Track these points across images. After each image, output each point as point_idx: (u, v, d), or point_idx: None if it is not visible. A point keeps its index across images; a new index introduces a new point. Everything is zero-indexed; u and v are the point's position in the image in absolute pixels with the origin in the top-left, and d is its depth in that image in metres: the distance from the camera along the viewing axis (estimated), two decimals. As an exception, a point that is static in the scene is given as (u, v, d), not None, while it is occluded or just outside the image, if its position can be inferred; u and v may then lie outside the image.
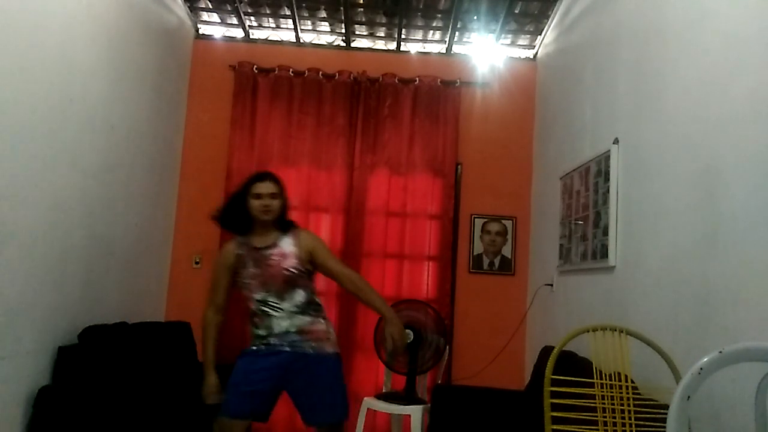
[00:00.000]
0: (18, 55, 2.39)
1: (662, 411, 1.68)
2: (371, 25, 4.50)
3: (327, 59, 4.56)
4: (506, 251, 4.47)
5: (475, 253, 4.47)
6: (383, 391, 3.85)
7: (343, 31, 4.50)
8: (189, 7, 4.33)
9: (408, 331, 3.57)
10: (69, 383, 2.73)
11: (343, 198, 4.37)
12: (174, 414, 3.09)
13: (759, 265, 1.82)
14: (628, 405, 2.00)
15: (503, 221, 4.49)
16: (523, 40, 4.58)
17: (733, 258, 1.96)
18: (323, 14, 4.38)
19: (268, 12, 4.38)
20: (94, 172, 3.11)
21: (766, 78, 1.85)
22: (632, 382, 2.07)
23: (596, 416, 1.97)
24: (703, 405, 1.98)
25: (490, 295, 4.42)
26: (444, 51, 4.64)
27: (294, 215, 4.35)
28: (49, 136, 2.65)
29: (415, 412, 3.42)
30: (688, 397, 1.14)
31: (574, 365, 2.39)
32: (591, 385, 2.03)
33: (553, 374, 2.01)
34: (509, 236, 4.48)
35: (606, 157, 3.00)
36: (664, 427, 1.16)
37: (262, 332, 2.56)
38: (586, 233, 3.23)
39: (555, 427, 1.95)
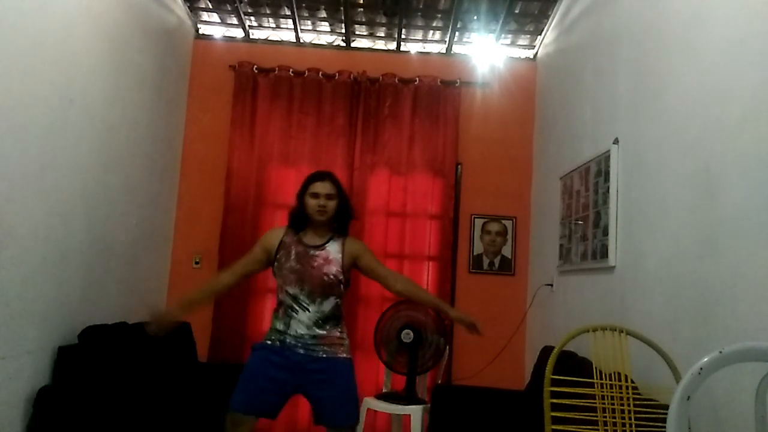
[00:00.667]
0: (18, 56, 2.39)
1: (662, 411, 1.68)
2: (371, 25, 4.50)
3: (327, 59, 4.56)
4: (506, 251, 4.47)
5: (475, 253, 4.47)
6: (383, 391, 3.84)
7: (343, 31, 4.50)
8: (189, 7, 4.33)
9: (408, 331, 3.57)
10: (69, 383, 2.73)
11: (343, 198, 4.37)
12: (174, 414, 3.09)
13: (759, 265, 1.82)
14: (628, 405, 2.00)
15: (503, 221, 4.49)
16: (523, 40, 4.58)
17: (733, 258, 1.96)
18: (323, 14, 4.38)
19: (268, 12, 4.38)
20: (94, 172, 3.11)
21: (766, 78, 1.85)
22: (632, 382, 2.07)
23: (596, 416, 1.97)
24: (703, 405, 1.98)
25: (490, 295, 4.42)
26: (444, 51, 4.64)
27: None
28: (49, 136, 2.65)
29: (415, 412, 3.42)
30: (688, 397, 1.14)
31: (574, 365, 2.40)
32: (591, 385, 2.03)
33: (553, 374, 2.01)
34: (509, 236, 4.48)
35: (606, 157, 3.00)
36: (664, 427, 1.16)
37: (280, 327, 2.56)
38: (586, 233, 3.23)
39: (555, 427, 1.95)
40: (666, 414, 1.16)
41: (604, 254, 2.93)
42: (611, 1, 3.22)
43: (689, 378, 1.15)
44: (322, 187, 2.58)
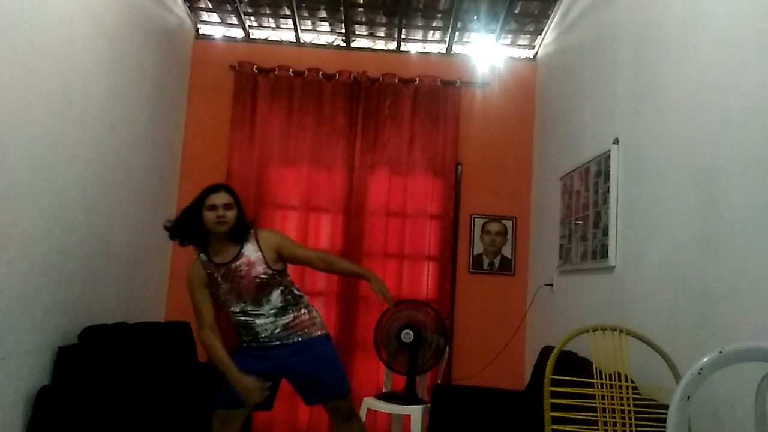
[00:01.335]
0: (18, 55, 2.39)
1: (662, 411, 1.68)
2: (371, 25, 4.50)
3: (327, 59, 4.56)
4: (506, 251, 4.47)
5: (475, 253, 4.47)
6: (383, 391, 3.85)
7: (343, 31, 4.50)
8: (189, 7, 4.33)
9: (408, 331, 3.57)
10: (69, 383, 2.73)
11: (343, 198, 4.37)
12: (174, 414, 3.09)
13: (759, 264, 1.82)
14: (628, 405, 2.00)
15: (503, 221, 4.49)
16: (523, 40, 4.58)
17: (733, 258, 1.96)
18: (323, 14, 4.38)
19: (268, 12, 4.38)
20: (94, 172, 3.11)
21: (766, 78, 1.85)
22: (632, 382, 2.07)
23: (596, 416, 1.97)
24: (703, 405, 1.98)
25: (490, 295, 4.42)
26: (444, 51, 4.64)
27: (294, 215, 4.41)
28: (49, 136, 2.65)
29: (415, 412, 3.42)
30: (688, 397, 1.14)
31: (574, 365, 2.40)
32: (591, 385, 2.03)
33: (553, 374, 2.01)
34: (509, 236, 4.48)
35: (606, 157, 3.00)
36: (664, 427, 1.16)
37: (248, 338, 2.62)
38: (586, 233, 3.23)
39: (555, 427, 1.95)
40: (666, 414, 1.16)
41: (604, 254, 2.93)
42: (611, 1, 3.22)
43: (689, 378, 1.15)
44: (218, 198, 2.53)
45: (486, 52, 4.54)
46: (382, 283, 2.64)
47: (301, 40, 4.60)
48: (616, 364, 2.08)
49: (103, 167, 3.21)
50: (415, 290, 4.32)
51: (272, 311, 2.58)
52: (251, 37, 4.60)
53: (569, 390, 1.98)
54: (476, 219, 4.49)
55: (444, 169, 4.44)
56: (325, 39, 4.65)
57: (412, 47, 4.68)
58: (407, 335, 3.56)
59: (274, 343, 2.58)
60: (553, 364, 2.03)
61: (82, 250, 3.02)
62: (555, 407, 1.98)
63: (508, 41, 4.58)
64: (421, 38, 4.62)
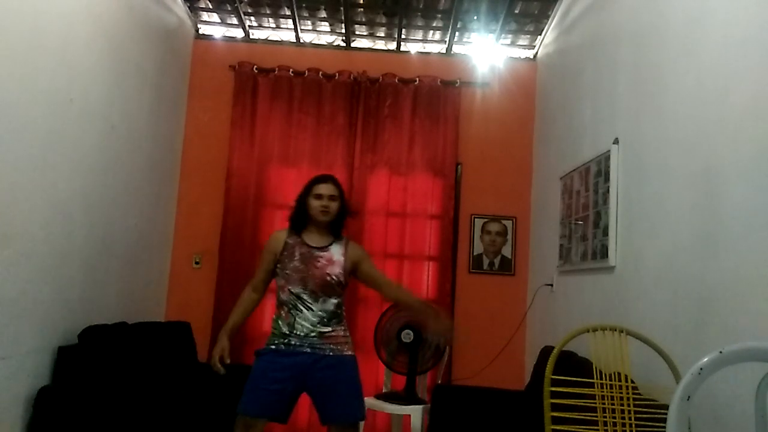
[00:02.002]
0: (18, 55, 2.39)
1: (662, 411, 1.69)
2: (371, 25, 4.50)
3: (327, 59, 4.56)
4: (506, 251, 4.47)
5: (475, 253, 4.47)
6: (383, 391, 3.85)
7: (343, 31, 4.50)
8: (189, 7, 4.33)
9: (408, 331, 3.57)
10: (69, 383, 2.73)
11: (343, 198, 4.37)
12: (174, 414, 3.09)
13: (759, 264, 1.82)
14: (628, 405, 2.00)
15: (503, 221, 4.49)
16: (523, 40, 4.58)
17: (733, 258, 1.96)
18: (323, 14, 4.38)
19: (268, 12, 4.38)
20: (94, 172, 3.11)
21: (766, 78, 1.85)
22: (632, 382, 2.07)
23: (596, 416, 1.97)
24: (703, 405, 1.98)
25: (490, 295, 4.42)
26: (444, 51, 4.64)
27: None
28: (49, 136, 2.65)
29: (415, 412, 3.42)
30: (688, 397, 1.14)
31: (574, 365, 2.40)
32: (591, 385, 2.03)
33: (553, 374, 2.01)
34: (509, 236, 4.48)
35: (606, 157, 3.00)
36: (664, 427, 1.16)
37: (284, 329, 2.59)
38: (586, 233, 3.23)
39: (555, 427, 1.95)
40: (666, 414, 1.16)
41: (604, 254, 2.93)
42: (611, 1, 3.22)
43: (689, 378, 1.15)
44: (325, 189, 2.65)
45: (486, 52, 4.54)
46: (441, 324, 2.69)
47: (301, 40, 4.60)
48: (616, 364, 2.08)
49: (103, 167, 3.20)
50: (415, 290, 4.31)
51: (319, 314, 2.59)
52: (251, 37, 4.60)
53: (569, 390, 1.98)
54: (476, 219, 4.49)
55: (444, 169, 4.44)
56: (325, 39, 4.65)
57: (412, 47, 4.68)
58: (407, 335, 3.56)
59: (304, 350, 2.56)
60: (553, 364, 2.03)
61: (82, 250, 3.02)
62: (555, 407, 1.98)
63: (508, 41, 4.58)
64: (421, 38, 4.62)
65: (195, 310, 4.17)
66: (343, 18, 4.34)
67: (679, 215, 2.31)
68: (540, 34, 4.45)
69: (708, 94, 2.18)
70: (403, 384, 3.65)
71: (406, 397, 3.57)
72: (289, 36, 4.60)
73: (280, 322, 2.61)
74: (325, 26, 4.54)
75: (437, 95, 4.51)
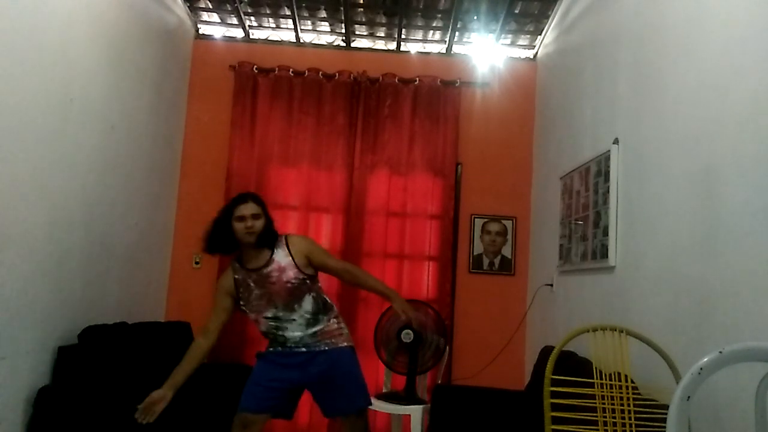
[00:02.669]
0: (18, 55, 2.39)
1: (662, 411, 1.69)
2: (371, 25, 4.50)
3: (327, 59, 4.56)
4: (506, 251, 4.47)
5: (475, 253, 4.47)
6: (383, 391, 3.85)
7: (343, 31, 4.50)
8: (189, 7, 4.33)
9: (408, 331, 3.57)
10: (69, 383, 2.73)
11: (343, 198, 4.37)
12: (174, 414, 3.08)
13: (759, 264, 1.82)
14: (628, 405, 2.00)
15: (503, 221, 4.49)
16: (523, 40, 4.58)
17: (733, 258, 1.96)
18: (323, 14, 4.38)
19: (268, 12, 4.38)
20: (94, 172, 3.11)
21: (766, 78, 1.85)
22: (632, 382, 2.07)
23: (596, 416, 1.97)
24: (703, 405, 1.98)
25: (490, 295, 4.42)
26: (444, 51, 4.64)
27: (294, 215, 4.41)
28: (49, 136, 2.65)
29: (415, 412, 3.42)
30: (688, 397, 1.14)
31: (574, 365, 2.40)
32: (591, 385, 2.03)
33: (553, 374, 2.01)
34: (509, 236, 4.48)
35: (606, 157, 3.00)
36: (664, 427, 1.16)
37: (278, 347, 2.63)
38: (586, 233, 3.23)
39: (555, 427, 1.95)
40: (666, 414, 1.16)
41: (604, 254, 2.93)
42: (611, 1, 3.22)
43: (689, 378, 1.15)
44: (246, 209, 2.56)
45: (486, 52, 4.54)
46: (404, 303, 2.67)
47: (301, 40, 4.60)
48: (616, 364, 2.08)
49: (103, 167, 3.20)
50: (415, 290, 4.32)
51: (303, 318, 2.59)
52: (251, 37, 4.60)
53: (569, 390, 1.98)
54: (476, 219, 4.49)
55: (444, 169, 4.44)
56: (325, 39, 4.65)
57: (412, 47, 4.68)
58: (407, 335, 3.56)
59: (300, 350, 2.59)
60: (553, 364, 2.03)
61: (82, 250, 3.02)
62: (555, 407, 1.98)
63: (508, 41, 4.58)
64: (421, 38, 4.62)
65: (195, 310, 4.16)
66: (343, 18, 4.34)
67: (679, 215, 2.31)
68: (540, 34, 4.45)
69: (708, 94, 2.18)
70: (403, 384, 3.65)
71: (406, 397, 3.57)
72: (289, 36, 4.60)
73: (271, 343, 2.66)
74: (325, 26, 4.54)
75: (437, 95, 4.51)
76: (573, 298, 3.47)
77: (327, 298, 2.71)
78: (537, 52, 4.59)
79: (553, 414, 1.96)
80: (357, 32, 4.57)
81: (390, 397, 3.60)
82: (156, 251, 4.10)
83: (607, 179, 2.97)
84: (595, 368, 2.06)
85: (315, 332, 2.59)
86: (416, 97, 4.50)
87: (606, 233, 2.93)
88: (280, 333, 2.59)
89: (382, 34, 4.59)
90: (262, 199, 2.67)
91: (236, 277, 2.62)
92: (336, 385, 2.60)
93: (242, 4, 4.27)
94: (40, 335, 2.67)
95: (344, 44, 4.63)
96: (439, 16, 4.34)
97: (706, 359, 1.15)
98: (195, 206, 4.40)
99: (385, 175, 4.43)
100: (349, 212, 4.36)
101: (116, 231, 3.42)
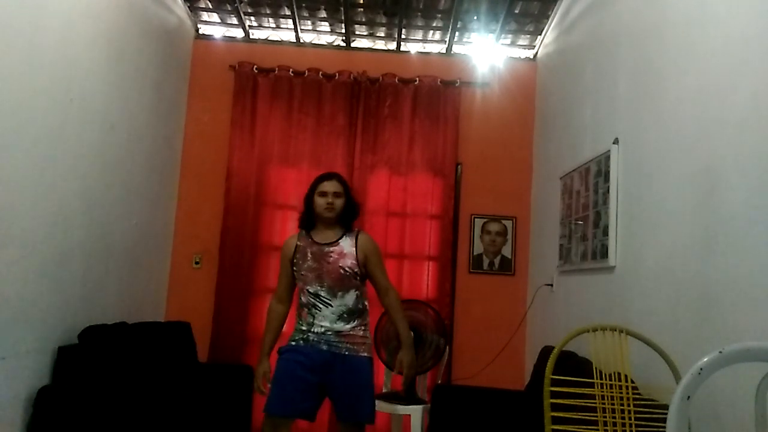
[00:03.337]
0: (18, 55, 2.39)
1: (662, 411, 1.68)
2: (371, 25, 4.50)
3: (327, 59, 4.56)
4: (506, 251, 4.47)
5: (475, 253, 4.47)
6: (383, 391, 3.84)
7: (343, 31, 4.50)
8: (189, 7, 4.33)
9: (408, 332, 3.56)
10: (69, 383, 2.73)
11: (343, 198, 4.37)
12: (174, 414, 3.09)
13: (759, 264, 1.82)
14: (628, 405, 2.00)
15: (503, 221, 4.49)
16: (523, 40, 4.58)
17: (733, 258, 1.96)
18: (323, 14, 4.38)
19: (268, 12, 4.38)
20: (94, 171, 3.11)
21: (766, 78, 1.85)
22: (632, 382, 2.07)
23: (596, 416, 1.97)
24: (703, 405, 1.98)
25: (490, 295, 4.42)
26: (444, 51, 4.64)
27: (294, 215, 4.39)
28: (49, 136, 2.65)
29: (415, 412, 3.42)
30: (688, 397, 1.14)
31: (574, 365, 2.40)
32: (591, 385, 2.03)
33: (553, 374, 2.01)
34: (509, 236, 4.48)
35: (606, 157, 3.00)
36: (664, 427, 1.16)
37: (303, 327, 2.66)
38: (586, 233, 3.23)
39: (555, 427, 1.95)
40: (666, 414, 1.16)
41: (604, 254, 2.93)
42: (611, 1, 3.22)
43: (689, 378, 1.15)
44: (329, 186, 2.69)
45: (486, 52, 4.54)
46: (409, 355, 2.71)
47: (301, 40, 4.60)
48: (616, 364, 2.08)
49: (103, 167, 3.20)
50: (415, 290, 4.32)
51: (340, 309, 2.62)
52: (251, 37, 4.60)
53: (569, 390, 1.99)
54: (476, 219, 4.49)
55: (444, 169, 4.44)
56: (325, 39, 4.65)
57: (412, 47, 4.68)
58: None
59: (321, 347, 2.60)
60: (553, 364, 2.03)
61: (82, 250, 3.02)
62: (555, 407, 1.98)
63: (508, 41, 4.58)
64: (421, 38, 4.62)
65: (195, 310, 4.17)
66: (343, 18, 4.34)
67: (679, 215, 2.31)
68: (540, 34, 4.45)
69: (708, 94, 2.18)
70: (403, 384, 3.65)
71: (406, 397, 3.57)
72: (289, 36, 4.60)
73: (300, 321, 2.69)
74: (325, 26, 4.54)
75: (437, 95, 4.51)
76: (573, 298, 3.47)
77: (367, 305, 2.74)
78: (537, 52, 4.59)
79: (553, 414, 1.96)
80: (357, 32, 4.57)
81: (390, 397, 3.60)
82: (156, 251, 4.10)
83: (607, 179, 2.97)
84: (595, 368, 2.06)
85: (341, 331, 2.61)
86: (416, 97, 4.50)
87: (606, 233, 2.93)
88: (314, 311, 2.62)
89: (382, 34, 4.59)
90: (348, 183, 2.79)
91: (298, 243, 2.71)
92: (348, 395, 2.62)
93: (242, 4, 4.27)
94: (40, 335, 2.67)
95: (344, 44, 4.63)
96: (439, 16, 4.34)
97: (706, 359, 1.15)
98: (195, 206, 4.40)
99: (385, 175, 4.43)
100: (349, 212, 4.35)
101: (116, 231, 3.42)
